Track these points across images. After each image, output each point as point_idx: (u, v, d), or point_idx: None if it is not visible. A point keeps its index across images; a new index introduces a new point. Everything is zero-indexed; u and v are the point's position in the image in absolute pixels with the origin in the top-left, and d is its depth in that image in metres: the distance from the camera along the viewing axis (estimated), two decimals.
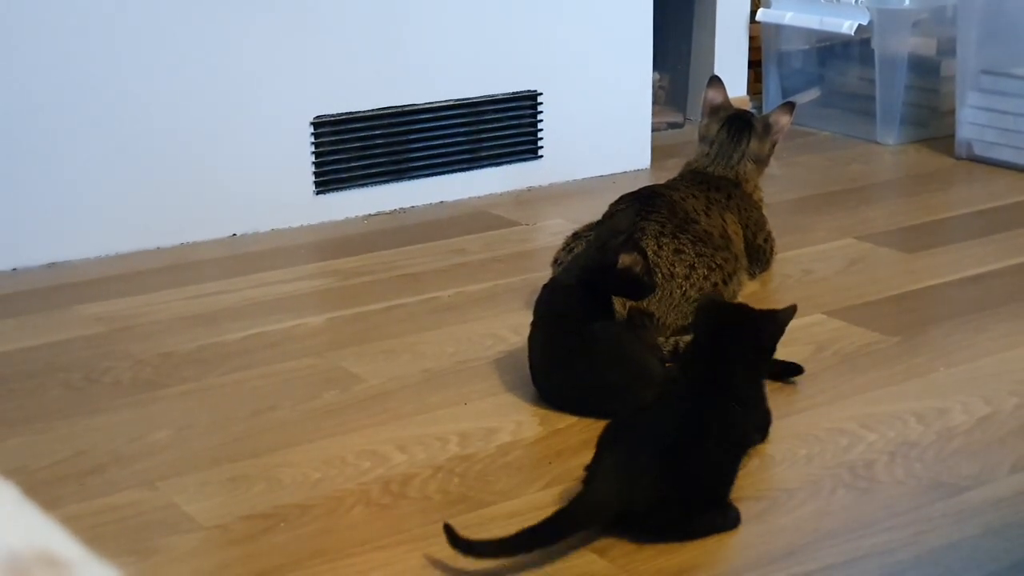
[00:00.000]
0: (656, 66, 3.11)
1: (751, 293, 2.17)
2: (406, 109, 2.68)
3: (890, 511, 1.47)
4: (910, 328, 2.03)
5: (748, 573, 1.35)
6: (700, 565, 1.37)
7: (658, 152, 3.01)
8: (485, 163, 2.80)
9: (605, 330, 1.72)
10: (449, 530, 1.33)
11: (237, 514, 1.47)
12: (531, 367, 1.76)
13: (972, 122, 3.01)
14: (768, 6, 3.37)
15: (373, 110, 2.64)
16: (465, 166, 2.77)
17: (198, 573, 1.36)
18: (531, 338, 1.76)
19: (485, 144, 2.80)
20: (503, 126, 2.81)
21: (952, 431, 1.66)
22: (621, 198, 2.11)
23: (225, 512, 1.48)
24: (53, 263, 2.34)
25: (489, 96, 2.78)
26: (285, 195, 2.57)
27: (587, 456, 1.50)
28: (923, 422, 1.68)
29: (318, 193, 2.61)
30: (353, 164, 2.64)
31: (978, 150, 3.01)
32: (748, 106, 3.18)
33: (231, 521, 1.46)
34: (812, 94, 3.43)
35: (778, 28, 3.40)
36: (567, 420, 1.70)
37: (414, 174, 2.71)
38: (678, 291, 1.92)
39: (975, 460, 1.58)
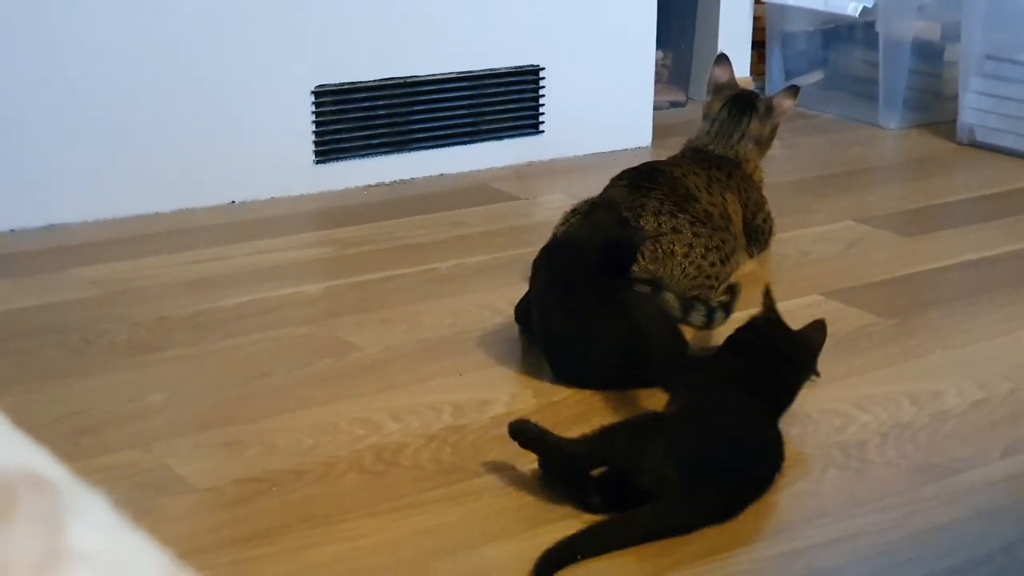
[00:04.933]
0: (660, 44, 3.10)
1: (748, 273, 2.17)
2: (408, 80, 2.67)
3: (881, 491, 1.47)
4: (907, 311, 2.03)
5: (738, 549, 1.36)
6: (688, 541, 1.37)
7: (659, 130, 3.00)
8: (486, 137, 2.79)
9: (640, 299, 1.74)
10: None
11: (230, 477, 1.48)
12: (547, 336, 1.76)
13: (975, 107, 3.00)
14: None
15: (375, 81, 2.63)
16: (466, 139, 2.77)
17: (190, 534, 1.36)
18: (543, 305, 1.75)
19: (487, 118, 2.79)
20: (505, 100, 2.80)
21: (946, 414, 1.66)
22: (622, 173, 2.10)
23: (218, 475, 1.48)
24: (51, 225, 2.34)
25: (491, 70, 2.77)
26: (285, 164, 2.57)
27: (581, 429, 1.50)
28: (917, 404, 1.69)
29: (318, 162, 2.60)
30: (354, 134, 2.63)
31: (980, 136, 3.00)
32: (751, 87, 3.17)
33: (224, 484, 1.46)
34: (815, 76, 3.42)
35: (783, 9, 3.38)
36: (561, 393, 1.71)
37: (415, 146, 2.70)
38: (677, 269, 1.92)
39: (968, 443, 1.59)
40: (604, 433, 1.42)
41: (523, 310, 1.83)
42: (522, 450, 1.53)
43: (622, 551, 1.33)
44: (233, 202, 2.51)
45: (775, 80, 3.38)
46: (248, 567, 1.31)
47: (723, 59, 2.31)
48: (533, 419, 1.62)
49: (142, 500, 1.41)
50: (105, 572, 0.45)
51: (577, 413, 1.65)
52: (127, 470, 1.49)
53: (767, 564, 1.34)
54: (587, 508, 1.40)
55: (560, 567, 1.29)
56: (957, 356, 1.85)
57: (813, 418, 1.64)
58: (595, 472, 1.42)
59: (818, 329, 1.59)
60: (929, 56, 3.21)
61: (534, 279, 1.77)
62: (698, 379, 1.57)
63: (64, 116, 2.33)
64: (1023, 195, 2.68)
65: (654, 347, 1.68)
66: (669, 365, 1.64)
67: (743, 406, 1.48)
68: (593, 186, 2.14)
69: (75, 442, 1.55)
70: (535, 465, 1.49)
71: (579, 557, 1.31)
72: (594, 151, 2.91)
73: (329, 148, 2.61)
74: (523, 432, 1.44)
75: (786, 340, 1.58)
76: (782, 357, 1.56)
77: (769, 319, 1.60)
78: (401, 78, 2.66)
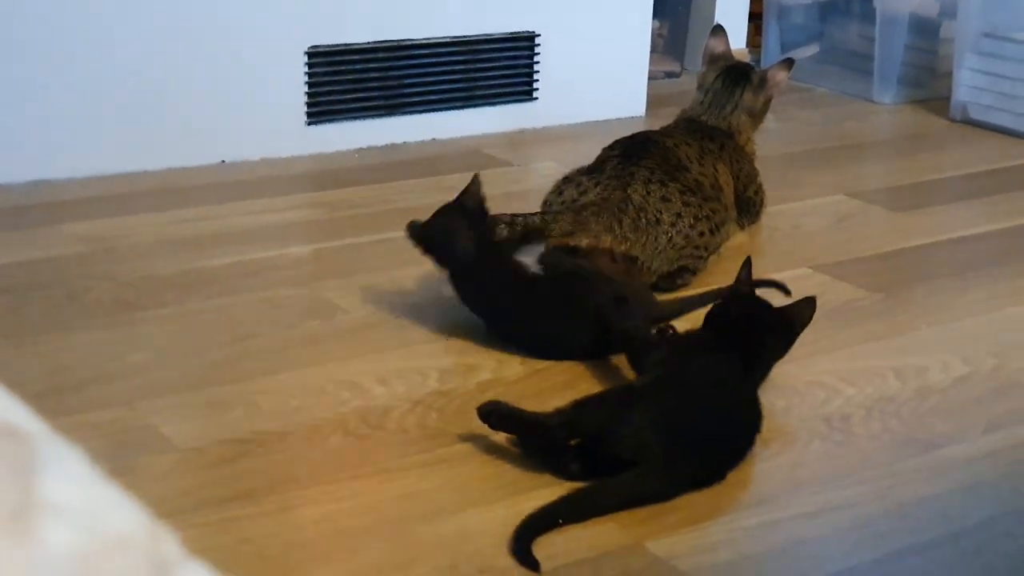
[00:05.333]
0: (656, 14, 3.08)
1: (739, 244, 2.17)
2: (403, 43, 2.65)
3: (863, 464, 1.48)
4: (895, 286, 2.03)
5: (719, 518, 1.36)
6: (671, 509, 1.37)
7: (653, 100, 2.99)
8: (480, 102, 2.78)
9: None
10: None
11: (214, 438, 1.47)
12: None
13: (969, 85, 3.00)
14: None
15: (369, 43, 2.62)
16: (459, 104, 2.75)
17: (172, 493, 1.36)
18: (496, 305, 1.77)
19: (480, 83, 2.78)
20: (499, 66, 2.79)
21: (930, 389, 1.67)
22: (615, 143, 2.10)
23: (202, 435, 1.48)
24: (38, 181, 2.32)
25: (487, 35, 2.75)
26: (277, 124, 2.55)
27: (566, 397, 1.51)
28: (901, 379, 1.69)
29: (310, 124, 2.59)
30: (347, 96, 2.62)
31: (973, 113, 3.00)
32: (747, 59, 3.15)
33: (207, 444, 1.46)
34: (811, 50, 3.41)
35: None
36: (548, 361, 1.71)
37: (408, 109, 2.69)
38: (664, 237, 1.92)
39: (950, 418, 1.59)
40: (579, 405, 1.42)
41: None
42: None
43: (603, 520, 1.33)
44: (223, 162, 2.50)
45: (771, 52, 3.37)
46: (230, 527, 1.31)
47: (719, 30, 2.30)
48: (519, 386, 1.63)
49: (124, 458, 1.41)
50: (79, 524, 0.45)
51: (564, 380, 1.65)
52: (110, 428, 1.49)
53: (747, 534, 1.34)
54: (567, 476, 1.40)
55: (541, 532, 1.30)
56: (943, 332, 1.85)
57: (798, 390, 1.64)
58: (572, 443, 1.42)
59: (806, 305, 1.58)
60: (926, 32, 3.19)
61: (469, 295, 1.77)
62: (672, 350, 1.57)
63: (54, 71, 2.31)
64: (1014, 173, 2.68)
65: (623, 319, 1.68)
66: (634, 342, 1.64)
67: (719, 373, 1.48)
68: (585, 154, 2.13)
69: (58, 398, 1.55)
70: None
71: (560, 522, 1.31)
72: (587, 119, 2.89)
73: (321, 110, 2.59)
74: (493, 413, 1.43)
75: (768, 315, 1.58)
76: (763, 331, 1.56)
77: (747, 293, 1.60)
78: (396, 41, 2.64)
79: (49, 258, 2.01)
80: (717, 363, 1.50)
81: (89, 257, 2.02)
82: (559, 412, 1.41)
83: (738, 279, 1.60)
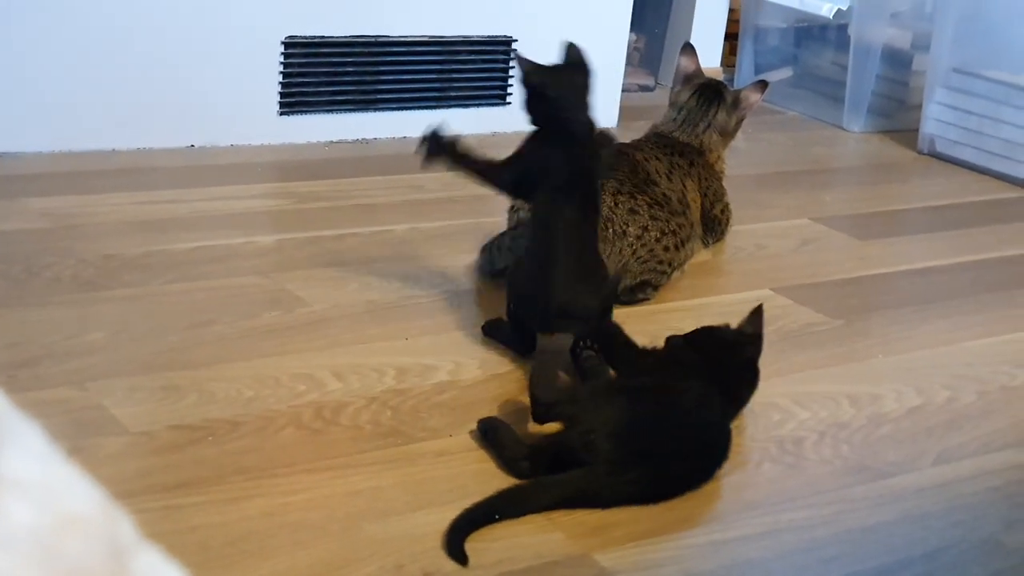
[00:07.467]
0: (633, 27, 3.09)
1: (702, 262, 2.18)
2: (380, 40, 2.64)
3: (813, 489, 1.49)
4: (854, 313, 2.05)
5: (667, 534, 1.37)
6: (619, 523, 1.37)
7: (626, 113, 3.00)
8: (453, 103, 2.78)
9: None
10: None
11: (165, 423, 1.46)
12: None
13: (937, 119, 3.03)
14: None
15: (346, 37, 2.61)
16: (433, 104, 2.75)
17: (119, 477, 1.35)
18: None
19: (455, 84, 2.77)
20: (474, 68, 2.79)
21: (882, 417, 1.68)
22: None
23: (153, 419, 1.47)
24: (3, 153, 2.30)
25: (464, 37, 2.75)
26: (249, 112, 2.54)
27: (522, 403, 1.51)
28: (855, 405, 1.70)
29: (282, 114, 2.57)
30: (321, 89, 2.61)
31: (940, 147, 3.03)
32: (720, 77, 3.17)
33: (158, 429, 1.45)
34: (784, 73, 3.43)
35: (758, 3, 3.39)
36: (506, 366, 1.71)
37: (381, 106, 2.68)
38: (628, 250, 1.92)
39: (901, 448, 1.61)
40: (566, 392, 1.45)
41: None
42: (461, 419, 1.54)
43: (551, 529, 1.34)
44: (192, 146, 2.48)
45: (745, 73, 3.39)
46: (176, 514, 1.29)
47: (689, 48, 2.31)
48: (476, 389, 1.64)
49: (72, 438, 1.39)
50: (38, 500, 0.44)
51: (521, 386, 1.65)
52: (60, 407, 1.47)
53: (694, 552, 1.35)
54: (517, 474, 1.41)
55: (477, 527, 1.30)
56: (899, 362, 1.87)
57: (753, 411, 1.65)
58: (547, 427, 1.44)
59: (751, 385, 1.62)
60: (898, 63, 3.23)
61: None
62: (660, 363, 1.57)
63: (26, 43, 2.28)
64: (975, 208, 2.71)
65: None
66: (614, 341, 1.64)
67: (697, 399, 1.48)
68: None
69: (9, 374, 1.53)
70: (472, 436, 1.50)
71: (497, 518, 1.31)
72: None
73: (295, 100, 2.58)
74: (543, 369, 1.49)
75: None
76: (746, 381, 1.59)
77: (756, 340, 1.61)
78: (373, 37, 2.63)
79: (10, 231, 1.98)
80: (698, 389, 1.49)
81: (51, 233, 1.99)
82: (554, 390, 1.45)
83: (746, 322, 1.62)
